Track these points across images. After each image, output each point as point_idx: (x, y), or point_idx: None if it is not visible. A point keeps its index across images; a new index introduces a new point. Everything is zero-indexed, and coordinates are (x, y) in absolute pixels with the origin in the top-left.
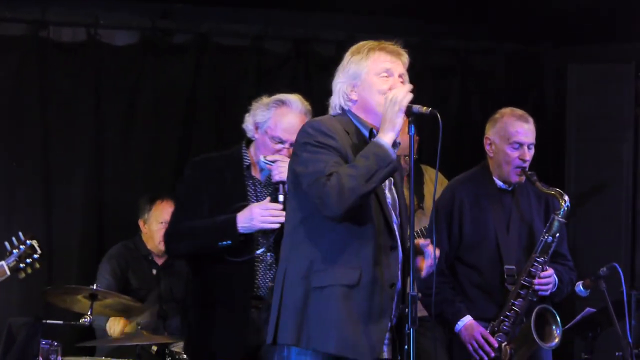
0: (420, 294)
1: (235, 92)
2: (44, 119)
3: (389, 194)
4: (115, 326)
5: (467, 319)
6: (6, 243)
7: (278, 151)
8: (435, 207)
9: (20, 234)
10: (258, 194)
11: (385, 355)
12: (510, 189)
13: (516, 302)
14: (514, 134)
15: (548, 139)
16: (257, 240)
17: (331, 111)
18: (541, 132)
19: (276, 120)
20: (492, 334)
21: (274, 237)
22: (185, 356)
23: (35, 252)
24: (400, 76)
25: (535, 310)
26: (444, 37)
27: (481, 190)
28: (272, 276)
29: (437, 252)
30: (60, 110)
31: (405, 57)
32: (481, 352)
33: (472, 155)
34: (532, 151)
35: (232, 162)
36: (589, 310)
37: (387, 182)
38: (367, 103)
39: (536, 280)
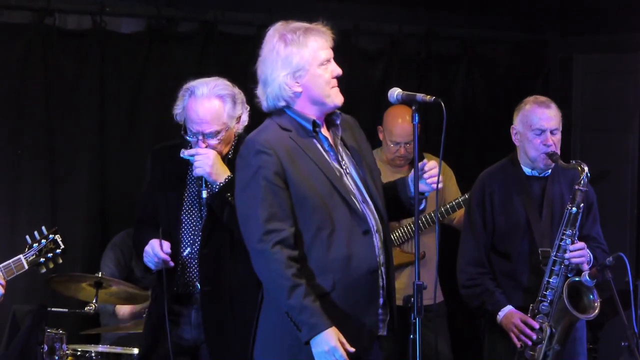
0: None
1: (240, 80)
2: (49, 106)
3: (354, 170)
4: (123, 309)
5: (508, 309)
6: (27, 237)
7: (196, 144)
8: (468, 201)
9: (43, 228)
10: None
11: (380, 331)
12: (540, 175)
13: (551, 280)
14: (535, 121)
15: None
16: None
17: (264, 103)
18: None
19: (187, 112)
20: (533, 317)
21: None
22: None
23: (58, 247)
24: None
25: (566, 283)
26: (449, 26)
27: (510, 179)
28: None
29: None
30: (65, 98)
31: (330, 32)
32: (523, 338)
33: (476, 144)
34: (558, 136)
35: (177, 154)
36: None
37: (345, 157)
38: (314, 95)
39: (567, 255)
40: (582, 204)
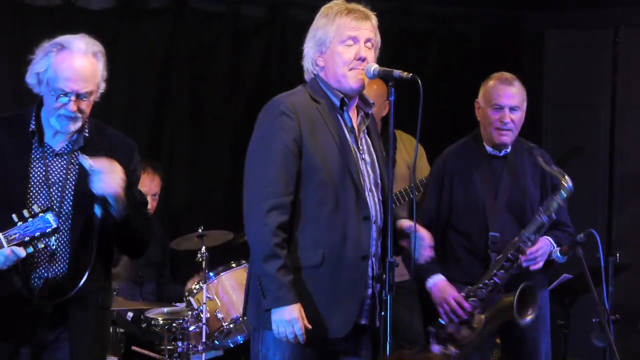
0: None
1: (211, 57)
2: (18, 84)
3: (368, 157)
4: None
5: (439, 278)
6: (13, 215)
7: (63, 106)
8: (429, 175)
9: (34, 207)
10: (50, 169)
11: (363, 321)
12: (501, 154)
13: (498, 273)
14: (495, 97)
15: (527, 105)
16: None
17: (305, 75)
18: None
19: (56, 67)
20: (467, 297)
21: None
22: (161, 321)
23: (49, 225)
24: (367, 41)
25: (522, 286)
26: (422, 2)
27: (472, 157)
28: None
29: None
30: None
31: (374, 20)
32: (452, 315)
33: (449, 120)
34: (518, 114)
35: (18, 123)
36: (565, 276)
37: (364, 143)
38: (333, 71)
39: (522, 258)
40: (553, 215)
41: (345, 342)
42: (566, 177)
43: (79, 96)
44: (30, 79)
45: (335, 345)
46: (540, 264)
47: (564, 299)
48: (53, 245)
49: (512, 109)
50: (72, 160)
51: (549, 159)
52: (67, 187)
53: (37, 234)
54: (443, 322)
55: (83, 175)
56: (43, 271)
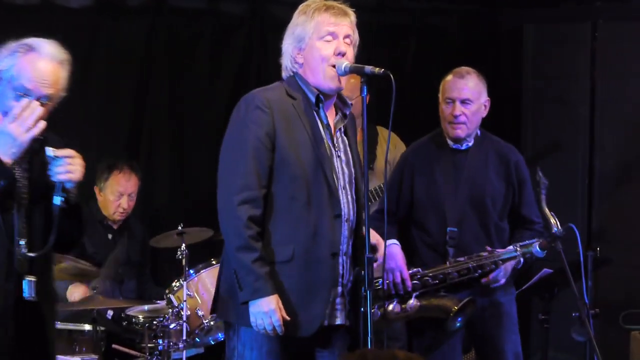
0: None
1: (190, 54)
2: None
3: (344, 156)
4: (75, 292)
5: (393, 242)
6: None
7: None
8: (392, 170)
9: None
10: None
11: (339, 321)
12: (463, 147)
13: (453, 274)
14: (447, 91)
15: (505, 99)
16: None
17: (283, 73)
18: (497, 92)
19: (21, 67)
20: (413, 276)
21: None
22: (141, 319)
23: None
24: (346, 37)
25: (467, 299)
26: None
27: (434, 152)
28: None
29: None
30: None
31: (352, 16)
32: (392, 286)
33: (427, 116)
34: (471, 107)
35: None
36: (545, 271)
37: (341, 142)
38: (311, 67)
39: (483, 280)
40: (527, 256)
41: (319, 340)
42: (556, 221)
43: (42, 98)
44: None
45: (309, 342)
46: (502, 283)
47: (544, 294)
48: None
49: (463, 102)
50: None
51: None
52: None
53: None
54: (379, 286)
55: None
56: None
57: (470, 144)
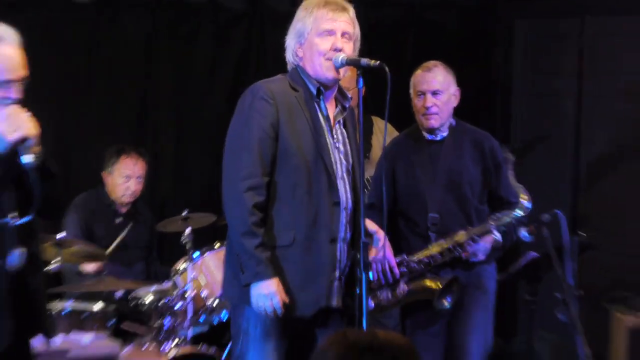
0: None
1: (191, 47)
2: None
3: (342, 147)
4: (88, 266)
5: None
6: None
7: (4, 94)
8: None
9: None
10: None
11: (334, 302)
12: (438, 138)
13: (436, 256)
14: (416, 84)
15: (496, 91)
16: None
17: (288, 67)
18: (490, 86)
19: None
20: (399, 264)
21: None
22: (148, 299)
23: None
24: (344, 34)
25: (451, 277)
26: None
27: (412, 144)
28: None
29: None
30: None
31: (351, 12)
32: (381, 276)
33: None
34: (441, 97)
35: None
36: (532, 255)
37: (340, 133)
38: (310, 61)
39: (464, 256)
40: (503, 228)
41: (318, 320)
42: (527, 197)
43: (18, 82)
44: None
45: (308, 322)
46: (481, 258)
47: (530, 277)
48: None
49: (434, 93)
50: None
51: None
52: None
53: None
54: (371, 279)
55: None
56: None
57: (445, 134)
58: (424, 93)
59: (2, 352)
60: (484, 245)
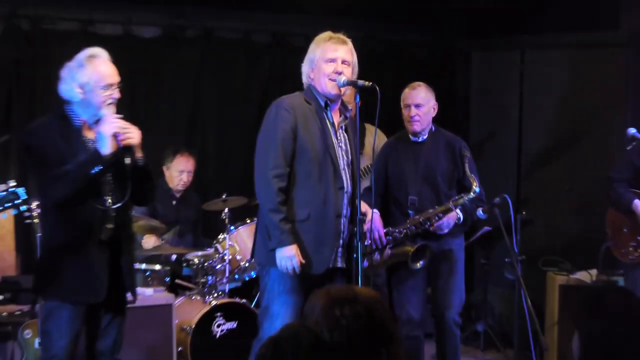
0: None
1: (231, 72)
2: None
3: (344, 146)
4: (148, 241)
5: (375, 211)
6: None
7: (109, 98)
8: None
9: (10, 181)
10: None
11: (339, 264)
12: (420, 140)
13: (411, 227)
14: (404, 98)
15: (459, 104)
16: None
17: (304, 85)
18: (454, 100)
19: (96, 72)
20: (386, 234)
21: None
22: (196, 261)
23: (18, 197)
24: (344, 62)
25: (419, 244)
26: (381, 32)
27: (401, 144)
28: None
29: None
30: None
31: (350, 44)
32: (373, 241)
33: (400, 116)
34: (422, 109)
35: (64, 124)
36: (486, 228)
37: (342, 136)
38: (319, 82)
39: (431, 228)
40: (460, 207)
41: (326, 278)
42: (477, 184)
43: (115, 87)
44: (69, 91)
45: (319, 279)
46: (445, 231)
47: (485, 245)
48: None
49: (417, 106)
50: None
51: (473, 164)
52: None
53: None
54: (366, 243)
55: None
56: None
57: (425, 137)
58: (409, 106)
59: (102, 301)
60: (448, 221)
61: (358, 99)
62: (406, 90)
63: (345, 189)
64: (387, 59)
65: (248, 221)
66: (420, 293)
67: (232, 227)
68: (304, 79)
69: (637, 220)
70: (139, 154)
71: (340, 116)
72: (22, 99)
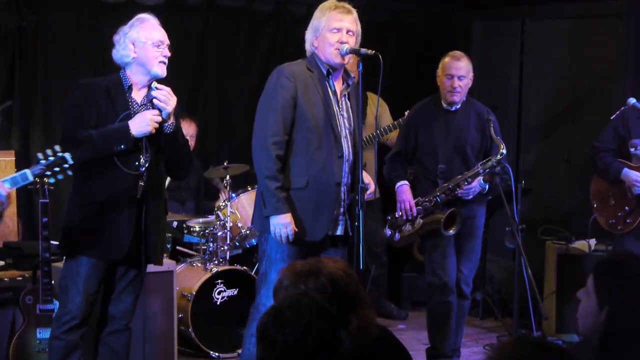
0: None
1: (233, 40)
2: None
3: (346, 114)
4: None
5: (404, 183)
6: (38, 154)
7: (160, 55)
8: (403, 125)
9: (56, 147)
10: (137, 112)
11: (339, 232)
12: (453, 109)
13: (441, 195)
14: (446, 68)
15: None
16: (143, 155)
17: (307, 54)
18: None
19: (147, 33)
20: (416, 204)
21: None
22: (197, 228)
23: (66, 162)
24: (348, 31)
25: (451, 210)
26: (382, 1)
27: (432, 112)
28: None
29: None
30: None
31: (355, 13)
32: (404, 213)
33: (403, 86)
34: (464, 81)
35: (115, 84)
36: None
37: (344, 104)
38: (323, 50)
39: (459, 192)
40: (487, 170)
41: (325, 246)
42: (503, 145)
43: (165, 46)
44: (123, 51)
45: (317, 247)
46: (470, 197)
47: (486, 214)
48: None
49: (459, 77)
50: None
51: (497, 127)
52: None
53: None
54: (397, 215)
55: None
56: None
57: (458, 106)
58: (453, 76)
59: (121, 263)
60: (474, 187)
61: (361, 67)
62: (447, 60)
63: (346, 157)
64: (388, 28)
65: (249, 189)
66: (453, 259)
67: (233, 195)
68: (307, 47)
69: (625, 190)
70: (171, 120)
71: (342, 84)
72: (25, 66)
